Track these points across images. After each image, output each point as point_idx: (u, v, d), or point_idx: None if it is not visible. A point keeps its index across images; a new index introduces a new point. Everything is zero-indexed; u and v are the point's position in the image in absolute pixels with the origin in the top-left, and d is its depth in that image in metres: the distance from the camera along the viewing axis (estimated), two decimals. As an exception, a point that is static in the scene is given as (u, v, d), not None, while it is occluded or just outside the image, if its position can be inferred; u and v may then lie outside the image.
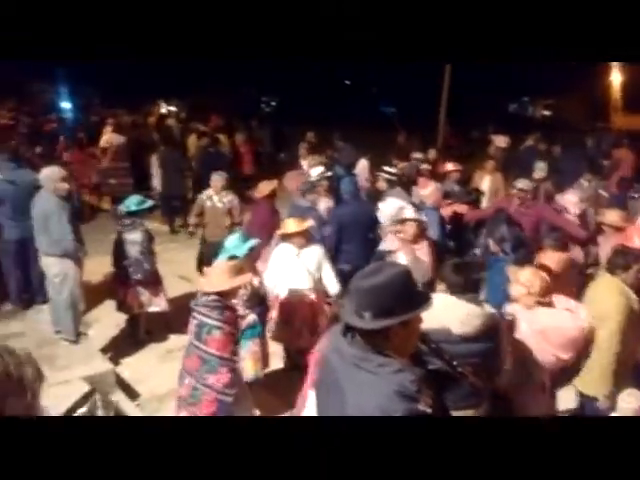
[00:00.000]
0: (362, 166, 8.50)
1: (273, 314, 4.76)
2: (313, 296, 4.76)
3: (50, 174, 5.09)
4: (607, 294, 3.61)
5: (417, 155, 8.50)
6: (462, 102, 14.81)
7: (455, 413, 3.02)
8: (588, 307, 3.65)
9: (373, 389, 1.69)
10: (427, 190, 6.53)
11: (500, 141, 9.77)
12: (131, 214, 5.38)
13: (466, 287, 3.15)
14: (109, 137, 10.41)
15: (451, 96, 13.14)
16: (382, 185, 6.45)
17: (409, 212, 4.96)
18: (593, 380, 3.61)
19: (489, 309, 3.21)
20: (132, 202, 5.42)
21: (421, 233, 4.86)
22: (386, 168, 6.69)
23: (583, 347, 3.59)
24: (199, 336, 3.41)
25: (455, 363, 2.02)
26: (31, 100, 18.91)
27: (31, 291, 6.00)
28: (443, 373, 2.04)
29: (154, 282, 5.59)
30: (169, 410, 4.67)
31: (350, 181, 7.26)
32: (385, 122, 14.83)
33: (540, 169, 7.51)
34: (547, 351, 3.43)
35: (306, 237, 4.75)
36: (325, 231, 5.64)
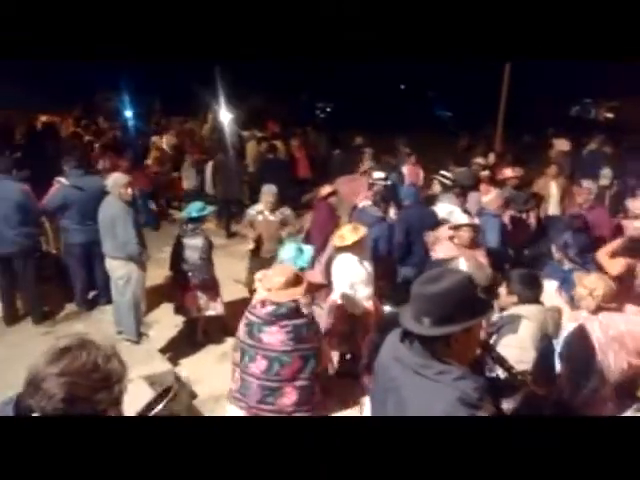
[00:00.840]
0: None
1: (330, 321, 4.77)
2: (372, 303, 4.76)
3: (116, 180, 5.31)
4: None
5: (478, 160, 8.35)
6: (521, 105, 14.43)
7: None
8: None
9: (435, 396, 1.68)
10: (489, 196, 6.48)
11: (562, 144, 9.46)
12: (192, 220, 5.53)
13: (534, 298, 3.14)
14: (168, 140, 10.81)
15: (510, 99, 12.84)
16: (436, 189, 6.37)
17: (460, 217, 4.91)
18: None
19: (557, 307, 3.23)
20: (193, 208, 5.57)
21: (476, 238, 4.83)
22: (442, 172, 6.61)
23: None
24: (298, 337, 3.50)
25: (515, 371, 1.96)
26: (96, 108, 19.68)
27: (95, 293, 6.24)
28: (503, 381, 2.00)
29: (212, 287, 5.72)
30: (224, 410, 4.76)
31: (410, 186, 7.18)
32: (441, 126, 14.63)
33: (605, 176, 7.25)
34: (621, 357, 3.32)
35: (363, 245, 4.75)
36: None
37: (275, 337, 3.48)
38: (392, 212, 6.25)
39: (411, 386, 1.76)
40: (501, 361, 1.95)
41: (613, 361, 3.33)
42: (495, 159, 9.05)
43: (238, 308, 6.25)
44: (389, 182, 6.66)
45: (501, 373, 1.98)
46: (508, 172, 7.21)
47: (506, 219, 6.14)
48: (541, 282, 3.35)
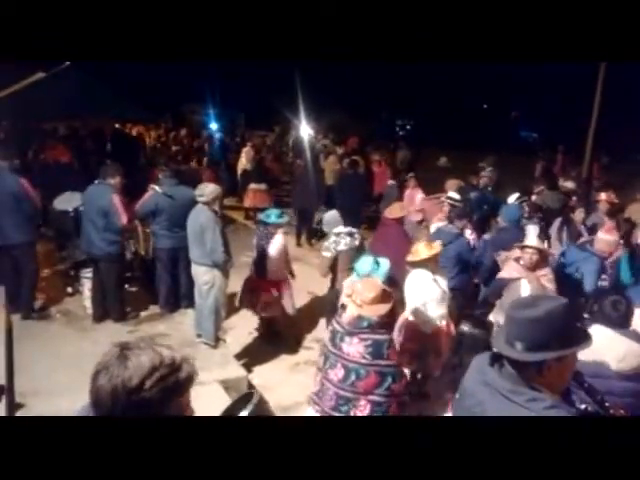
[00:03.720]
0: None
1: (400, 339, 4.73)
2: (446, 322, 4.68)
3: (213, 191, 5.57)
4: None
5: (567, 184, 8.05)
6: (612, 127, 13.76)
7: None
8: None
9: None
10: (606, 236, 5.45)
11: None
12: (267, 224, 5.80)
13: (624, 323, 3.04)
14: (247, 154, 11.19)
15: (600, 121, 12.27)
16: (446, 211, 6.29)
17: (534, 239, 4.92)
18: None
19: None
20: (273, 213, 5.87)
21: (542, 260, 4.75)
22: (451, 194, 6.75)
23: None
24: (377, 352, 3.52)
25: (607, 404, 1.89)
26: (183, 121, 20.57)
27: (178, 296, 6.51)
28: (594, 413, 1.92)
29: (286, 287, 5.98)
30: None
31: (514, 208, 6.73)
32: (526, 147, 14.19)
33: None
34: None
35: (437, 263, 4.72)
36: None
37: (354, 348, 3.51)
38: (468, 232, 6.18)
39: (499, 411, 1.74)
40: (593, 392, 1.88)
41: None
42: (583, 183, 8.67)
43: (312, 319, 6.41)
44: (460, 202, 6.63)
45: (591, 405, 1.90)
46: (602, 196, 6.89)
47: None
48: (628, 307, 3.22)
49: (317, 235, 9.75)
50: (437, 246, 4.76)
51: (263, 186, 10.94)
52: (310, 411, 3.86)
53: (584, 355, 2.95)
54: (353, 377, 3.51)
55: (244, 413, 2.00)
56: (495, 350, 1.85)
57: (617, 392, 2.98)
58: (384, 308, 3.60)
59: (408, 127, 24.30)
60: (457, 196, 6.76)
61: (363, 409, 3.53)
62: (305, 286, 7.26)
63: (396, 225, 6.20)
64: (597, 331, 3.10)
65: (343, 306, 3.78)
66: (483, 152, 10.52)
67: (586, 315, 3.33)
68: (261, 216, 6.03)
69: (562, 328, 1.75)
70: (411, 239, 6.03)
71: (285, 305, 5.92)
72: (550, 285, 4.63)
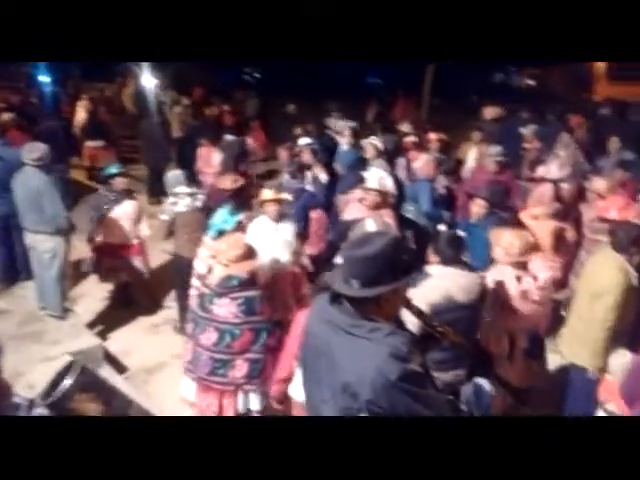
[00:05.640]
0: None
1: None
2: (294, 268, 4.75)
3: (42, 150, 5.03)
4: (606, 270, 3.59)
5: (403, 127, 8.46)
6: (448, 72, 14.67)
7: (438, 374, 3.16)
8: (585, 280, 3.74)
9: (368, 353, 1.74)
10: (419, 162, 6.57)
11: (489, 112, 9.71)
12: (112, 185, 5.48)
13: (459, 258, 3.35)
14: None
15: (437, 66, 13.01)
16: (372, 154, 6.42)
17: (388, 181, 5.09)
18: (587, 353, 3.65)
19: (480, 275, 3.43)
20: (110, 167, 5.59)
21: (384, 202, 4.96)
22: (374, 138, 6.67)
23: (545, 306, 3.85)
24: (250, 310, 3.49)
25: (436, 324, 2.07)
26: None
27: (16, 268, 5.95)
28: (425, 335, 2.09)
29: (139, 250, 5.72)
30: (157, 382, 4.75)
31: (351, 153, 7.06)
32: (370, 93, 14.66)
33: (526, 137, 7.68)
34: (528, 306, 3.68)
35: (282, 209, 4.68)
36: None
37: (226, 309, 3.47)
38: (323, 176, 6.25)
39: (344, 346, 1.81)
40: (422, 316, 2.04)
41: (526, 311, 3.68)
42: (417, 126, 9.17)
43: (167, 277, 6.23)
44: (315, 145, 6.59)
45: (422, 327, 2.07)
46: (432, 136, 7.37)
47: (439, 184, 6.26)
48: (461, 243, 3.50)
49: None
50: (281, 194, 4.71)
51: (101, 143, 10.15)
52: (186, 381, 3.80)
53: (432, 294, 3.23)
54: (228, 338, 3.49)
55: (67, 383, 1.91)
56: (334, 288, 1.90)
57: (465, 320, 3.29)
58: (252, 264, 3.59)
59: (257, 75, 23.87)
60: (307, 140, 6.72)
61: (241, 368, 3.55)
62: (159, 244, 7.01)
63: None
64: (437, 272, 3.37)
65: (209, 269, 3.71)
66: (330, 99, 10.66)
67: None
68: (101, 173, 5.67)
69: (393, 262, 1.83)
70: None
71: (137, 268, 5.66)
72: (391, 221, 4.83)
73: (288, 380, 3.25)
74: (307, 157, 6.37)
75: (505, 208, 5.19)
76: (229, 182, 5.03)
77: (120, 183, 5.52)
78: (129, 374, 4.88)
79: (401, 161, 6.82)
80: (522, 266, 3.74)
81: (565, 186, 5.73)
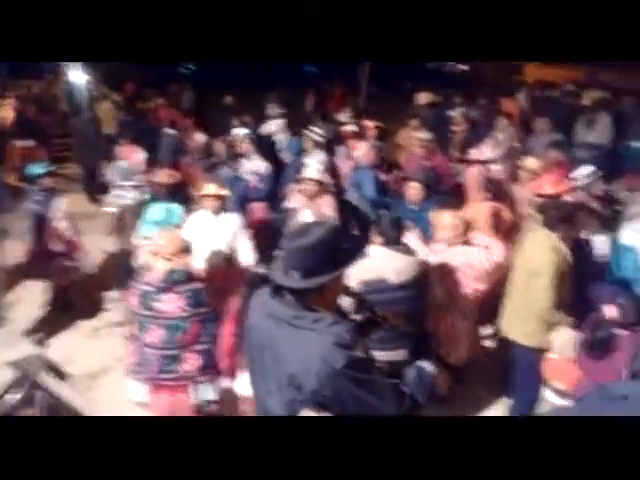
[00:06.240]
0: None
1: None
2: (231, 262, 4.72)
3: None
4: (540, 249, 3.65)
5: (341, 116, 8.50)
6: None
7: (383, 354, 3.23)
8: (521, 259, 3.84)
9: (313, 344, 1.74)
10: (360, 151, 6.61)
11: (422, 98, 9.87)
12: (41, 185, 5.25)
13: (400, 239, 3.45)
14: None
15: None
16: (309, 144, 6.41)
17: (327, 170, 5.23)
18: (527, 331, 3.73)
19: (420, 257, 3.52)
20: (36, 167, 5.36)
21: (322, 191, 5.01)
22: (313, 128, 6.65)
23: (497, 280, 4.04)
24: (198, 302, 3.49)
25: (376, 309, 2.10)
26: None
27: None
28: (367, 320, 2.12)
29: (75, 251, 5.52)
30: (102, 387, 4.62)
31: (295, 142, 7.03)
32: (308, 82, 14.62)
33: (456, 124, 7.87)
34: (464, 283, 3.89)
35: (223, 203, 4.64)
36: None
37: (172, 304, 3.44)
38: (262, 167, 6.18)
39: (287, 338, 1.80)
40: (363, 302, 2.06)
41: (462, 288, 3.89)
42: (357, 114, 9.24)
43: (107, 279, 6.06)
44: (252, 135, 6.55)
45: (363, 313, 2.09)
46: (368, 124, 7.44)
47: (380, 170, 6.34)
48: (402, 225, 3.59)
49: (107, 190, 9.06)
50: (219, 188, 4.66)
51: (30, 142, 9.70)
52: (133, 384, 3.72)
53: (368, 274, 3.29)
54: (175, 333, 3.46)
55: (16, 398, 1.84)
56: (275, 281, 1.90)
57: (399, 301, 3.36)
58: (190, 256, 3.61)
59: (191, 67, 23.37)
60: (245, 130, 6.67)
61: (192, 361, 3.53)
62: (98, 246, 6.80)
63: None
64: (376, 251, 3.43)
65: (148, 265, 3.64)
66: (268, 89, 10.56)
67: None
68: (25, 172, 5.48)
69: (333, 251, 1.84)
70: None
71: (74, 269, 5.46)
72: (330, 212, 4.91)
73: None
74: (244, 148, 6.29)
75: (441, 191, 5.32)
76: (165, 177, 4.93)
77: (48, 182, 5.31)
78: (72, 381, 4.71)
79: (341, 150, 6.87)
80: (466, 244, 3.92)
81: (498, 167, 5.93)
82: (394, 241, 3.49)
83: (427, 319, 3.77)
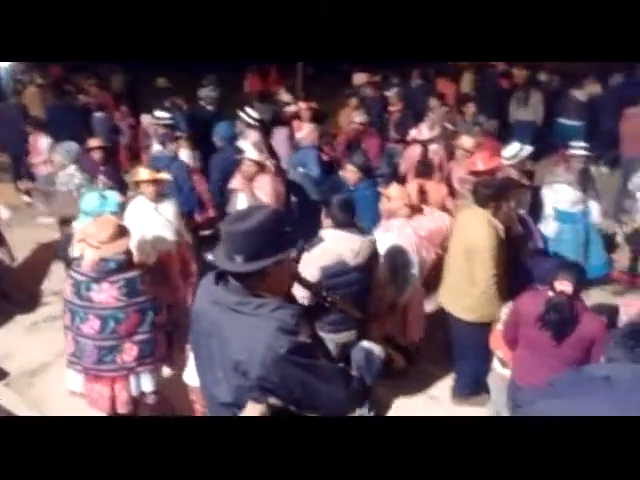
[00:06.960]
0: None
1: None
2: (179, 246, 4.65)
3: None
4: (475, 226, 3.73)
5: (283, 97, 8.43)
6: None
7: (333, 336, 3.27)
8: (458, 237, 3.91)
9: (257, 330, 1.73)
10: (303, 132, 6.77)
11: (358, 78, 9.92)
12: None
13: (351, 221, 3.51)
14: None
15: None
16: (245, 125, 6.29)
17: (262, 151, 5.25)
18: (467, 305, 3.81)
19: (372, 237, 3.59)
20: None
21: (260, 171, 5.01)
22: (247, 110, 6.51)
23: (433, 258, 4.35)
24: (134, 291, 3.36)
25: (324, 294, 2.11)
26: None
27: None
28: (316, 305, 2.14)
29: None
30: (43, 384, 4.46)
31: (226, 126, 6.89)
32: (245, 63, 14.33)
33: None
34: (431, 250, 4.23)
35: (160, 189, 4.54)
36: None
37: (106, 294, 3.32)
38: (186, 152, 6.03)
39: (232, 325, 1.79)
40: (309, 286, 2.08)
41: (425, 255, 4.16)
42: (295, 95, 9.19)
43: (44, 271, 5.83)
44: (171, 120, 6.37)
45: (311, 297, 2.11)
46: (302, 105, 7.45)
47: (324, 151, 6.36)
48: (352, 206, 3.58)
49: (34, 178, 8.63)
50: (163, 174, 4.57)
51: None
52: (72, 374, 3.60)
53: (325, 259, 3.35)
54: (112, 323, 3.35)
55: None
56: (217, 266, 1.88)
57: (356, 282, 3.44)
58: (124, 243, 3.44)
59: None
60: (165, 115, 6.43)
61: (130, 351, 3.44)
62: (33, 237, 6.52)
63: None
64: (330, 235, 3.45)
65: (80, 254, 3.50)
66: (203, 71, 10.28)
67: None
68: None
69: (274, 235, 1.83)
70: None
71: (5, 260, 5.22)
72: (264, 195, 4.92)
73: None
74: (161, 132, 6.10)
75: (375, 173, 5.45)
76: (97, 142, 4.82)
77: None
78: (10, 379, 4.54)
79: (281, 130, 6.83)
80: (417, 212, 4.32)
81: (434, 147, 6.06)
82: (345, 223, 3.48)
83: (378, 297, 3.83)
